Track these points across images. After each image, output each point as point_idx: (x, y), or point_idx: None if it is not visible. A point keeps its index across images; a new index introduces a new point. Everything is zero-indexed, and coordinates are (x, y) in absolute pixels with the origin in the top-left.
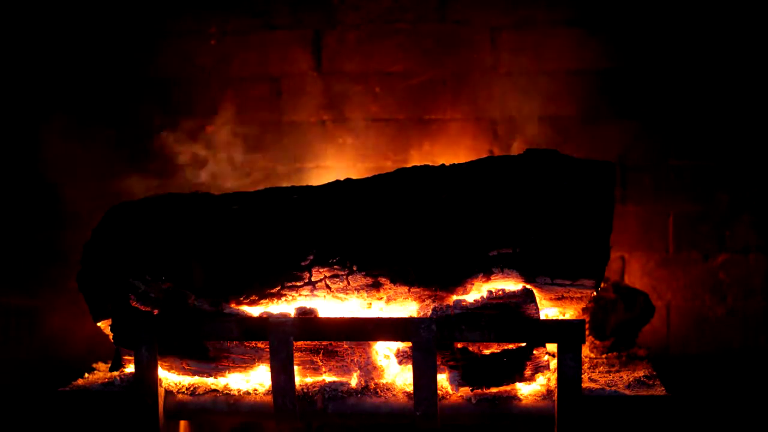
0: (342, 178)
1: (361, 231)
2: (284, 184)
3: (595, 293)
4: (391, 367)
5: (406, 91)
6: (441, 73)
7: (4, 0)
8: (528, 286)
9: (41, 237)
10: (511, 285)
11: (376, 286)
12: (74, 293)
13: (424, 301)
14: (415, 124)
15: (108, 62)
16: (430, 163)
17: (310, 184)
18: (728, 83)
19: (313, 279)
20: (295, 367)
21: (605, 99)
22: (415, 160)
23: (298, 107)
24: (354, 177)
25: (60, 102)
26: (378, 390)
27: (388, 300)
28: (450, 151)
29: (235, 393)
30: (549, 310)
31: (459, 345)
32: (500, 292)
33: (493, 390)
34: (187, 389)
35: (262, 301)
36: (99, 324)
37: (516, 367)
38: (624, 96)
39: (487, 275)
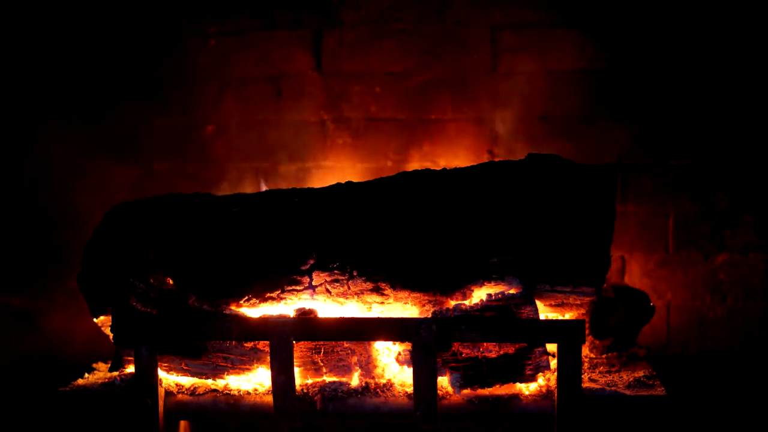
0: (342, 178)
1: (362, 236)
2: (284, 185)
3: (595, 298)
4: (392, 367)
5: (406, 91)
6: (441, 73)
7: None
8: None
9: (41, 237)
10: (512, 292)
11: (376, 291)
12: (74, 293)
13: (424, 305)
14: (415, 124)
15: (107, 63)
16: (430, 163)
17: (310, 184)
18: (728, 84)
19: (313, 283)
20: (296, 368)
21: (606, 99)
22: (415, 160)
23: (298, 107)
24: (354, 177)
25: (57, 102)
26: (378, 390)
27: (389, 305)
28: (450, 151)
29: (235, 393)
30: (548, 315)
31: (462, 350)
32: (500, 295)
33: (494, 390)
34: (187, 389)
35: (261, 304)
36: (97, 321)
37: (516, 367)
38: (624, 96)
39: (488, 281)
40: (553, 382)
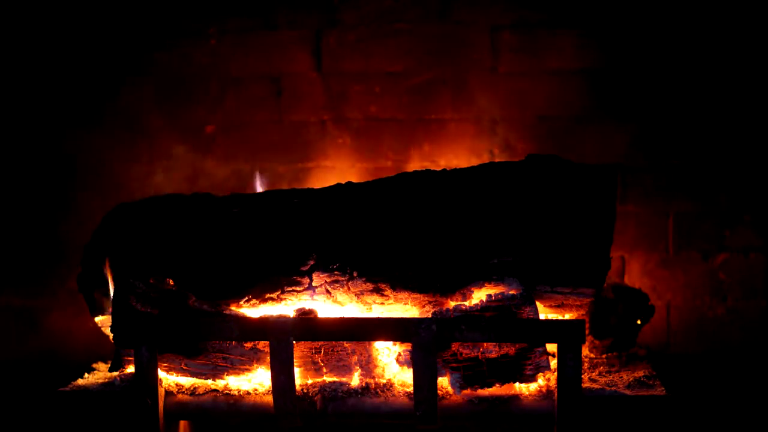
0: (342, 178)
1: (362, 236)
2: (284, 185)
3: (594, 299)
4: (392, 367)
5: (406, 91)
6: (441, 73)
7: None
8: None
9: (41, 237)
10: (512, 292)
11: (376, 292)
12: (74, 293)
13: (424, 306)
14: (415, 124)
15: (108, 63)
16: (430, 163)
17: (309, 184)
18: (728, 84)
19: (313, 284)
20: (296, 368)
21: (606, 99)
22: (415, 160)
23: (298, 107)
24: (354, 177)
25: (57, 102)
26: (378, 390)
27: (389, 305)
28: (450, 151)
29: (235, 393)
30: (548, 315)
31: (462, 350)
32: (500, 296)
33: (494, 390)
34: (187, 389)
35: (262, 304)
36: (97, 321)
37: (516, 367)
38: (624, 96)
39: (488, 282)
40: (553, 382)
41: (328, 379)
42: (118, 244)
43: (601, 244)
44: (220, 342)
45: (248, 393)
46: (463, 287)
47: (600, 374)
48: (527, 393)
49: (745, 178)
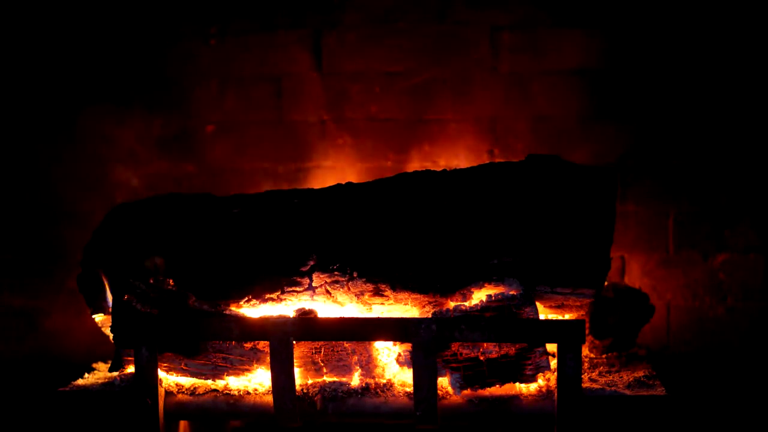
0: (342, 179)
1: (362, 237)
2: (284, 185)
3: (593, 299)
4: (392, 367)
5: (406, 91)
6: (441, 73)
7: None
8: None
9: (41, 237)
10: (512, 293)
11: (376, 292)
12: (74, 293)
13: (424, 306)
14: (415, 124)
15: (110, 64)
16: (430, 163)
17: (310, 184)
18: (728, 84)
19: (313, 284)
20: (297, 368)
21: (606, 99)
22: (415, 160)
23: (298, 107)
24: (354, 177)
25: (59, 102)
26: (378, 390)
27: (389, 305)
28: (450, 151)
29: (235, 393)
30: (548, 316)
31: (462, 350)
32: (500, 296)
33: (494, 390)
34: (187, 389)
35: (262, 304)
36: (97, 321)
37: (516, 367)
38: (625, 96)
39: (488, 283)
40: (553, 382)
41: (328, 379)
42: (119, 244)
43: (601, 245)
44: (220, 342)
45: (248, 393)
46: (463, 287)
47: (600, 374)
48: (527, 393)
49: (745, 179)
